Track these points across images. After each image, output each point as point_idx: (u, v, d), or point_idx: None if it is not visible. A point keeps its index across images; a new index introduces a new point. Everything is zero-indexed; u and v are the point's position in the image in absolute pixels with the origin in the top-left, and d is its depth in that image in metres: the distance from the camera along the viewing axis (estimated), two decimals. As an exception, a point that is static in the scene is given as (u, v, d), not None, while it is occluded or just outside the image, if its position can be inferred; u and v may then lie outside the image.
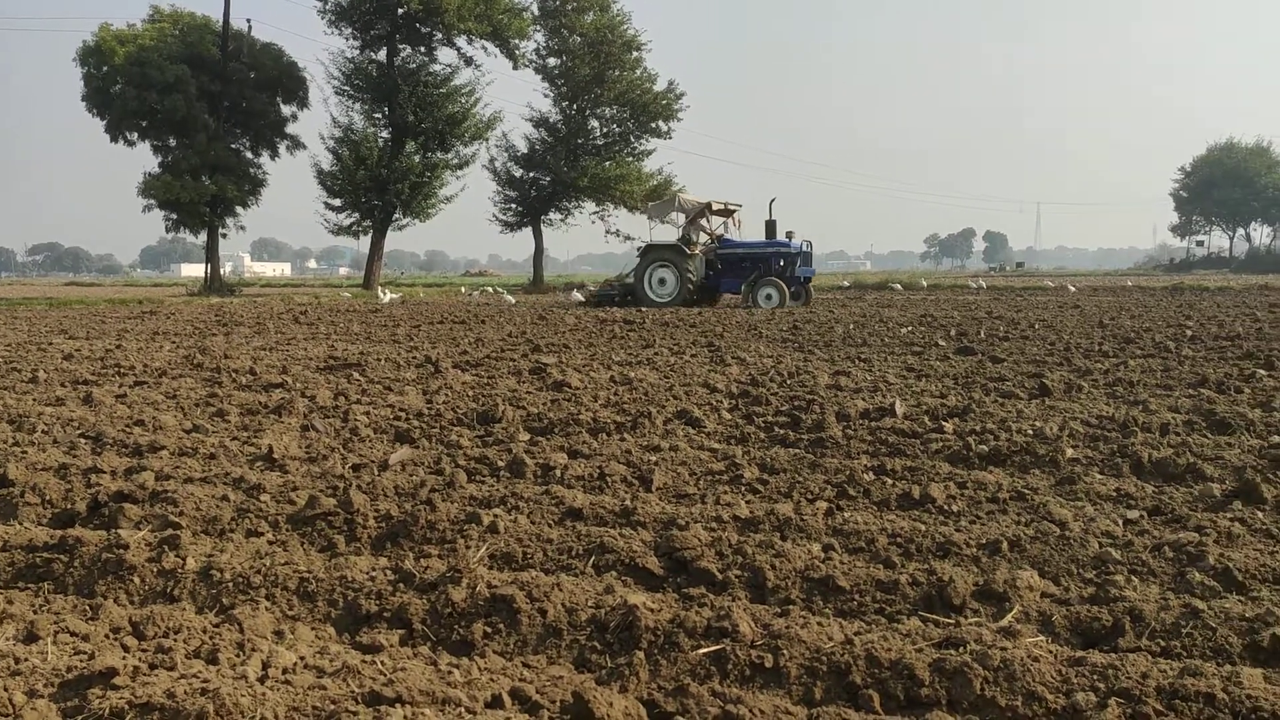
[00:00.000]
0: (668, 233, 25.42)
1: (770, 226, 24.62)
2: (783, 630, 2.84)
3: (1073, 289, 30.30)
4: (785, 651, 2.73)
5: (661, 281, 23.94)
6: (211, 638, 2.88)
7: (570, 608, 3.07)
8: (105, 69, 34.35)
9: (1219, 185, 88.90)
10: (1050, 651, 2.73)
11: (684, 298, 23.56)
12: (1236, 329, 13.04)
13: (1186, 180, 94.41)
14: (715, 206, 25.09)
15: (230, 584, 3.35)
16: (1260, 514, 4.02)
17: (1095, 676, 2.54)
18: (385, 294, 28.99)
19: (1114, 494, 4.41)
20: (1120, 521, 3.96)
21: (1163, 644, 2.82)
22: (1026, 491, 4.44)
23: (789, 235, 24.24)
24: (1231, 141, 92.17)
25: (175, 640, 2.86)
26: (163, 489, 4.49)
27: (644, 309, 22.29)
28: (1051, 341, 11.66)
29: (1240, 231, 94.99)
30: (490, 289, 37.86)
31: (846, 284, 40.34)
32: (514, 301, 26.79)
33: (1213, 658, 2.74)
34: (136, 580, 3.43)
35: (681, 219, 25.16)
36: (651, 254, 24.46)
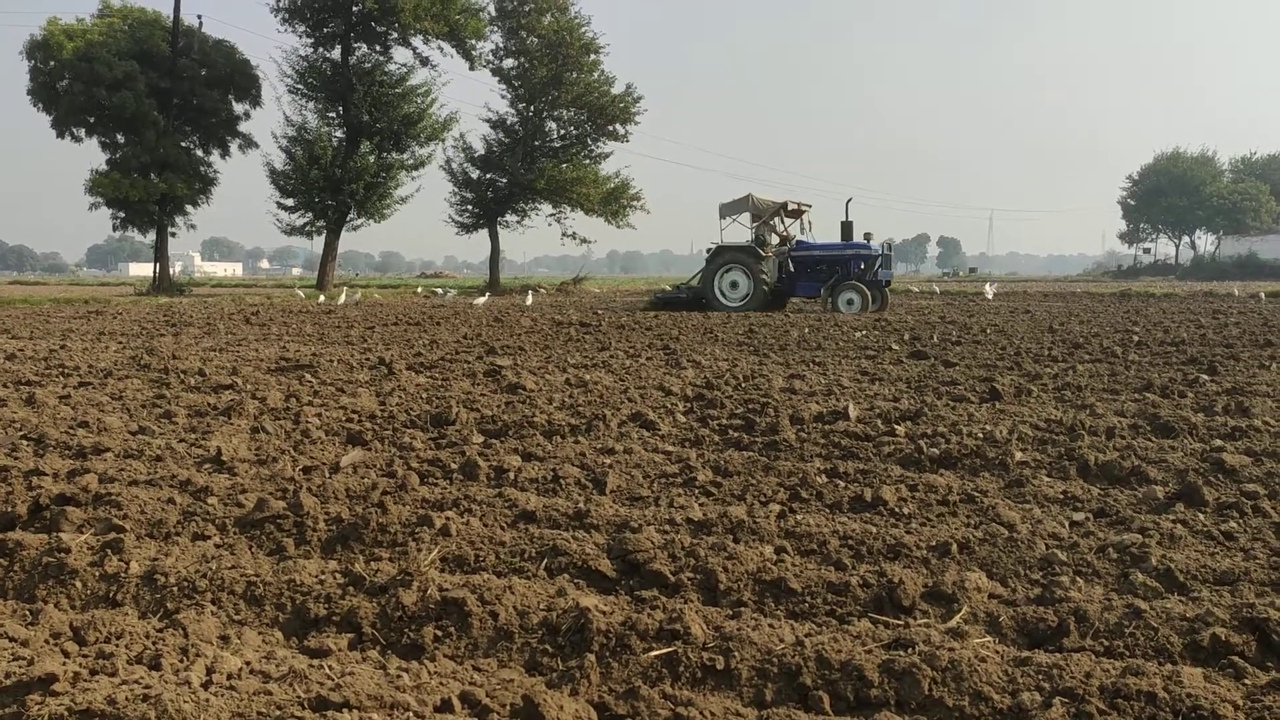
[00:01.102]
0: (733, 233, 24.43)
1: (846, 228, 23.65)
2: (734, 632, 2.85)
3: (990, 294, 30.39)
4: (737, 653, 2.74)
5: (734, 285, 22.86)
6: (154, 643, 2.83)
7: (522, 610, 3.05)
8: (52, 64, 33.73)
9: (1165, 194, 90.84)
10: (997, 652, 2.76)
11: (758, 301, 22.53)
12: (1181, 335, 13.30)
13: (1134, 188, 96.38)
14: (790, 206, 24.17)
15: (175, 588, 3.30)
16: (1201, 516, 4.10)
17: (1040, 676, 2.58)
18: (343, 295, 28.63)
19: (1061, 496, 4.47)
20: (1066, 523, 4.03)
21: (1106, 644, 2.86)
22: (976, 494, 4.49)
23: (867, 236, 23.32)
24: (1178, 151, 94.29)
25: (117, 645, 2.81)
26: (106, 491, 4.41)
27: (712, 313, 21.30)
28: (1002, 346, 11.82)
29: (1185, 239, 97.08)
30: (441, 290, 37.67)
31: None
32: (485, 302, 26.14)
33: (1154, 657, 2.79)
34: (78, 584, 3.37)
35: (737, 217, 24.14)
36: (723, 256, 23.24)
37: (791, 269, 23.34)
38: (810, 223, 24.91)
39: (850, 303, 21.63)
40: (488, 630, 2.99)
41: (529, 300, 26.90)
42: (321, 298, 28.96)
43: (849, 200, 23.59)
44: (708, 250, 23.90)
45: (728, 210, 24.45)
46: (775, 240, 23.98)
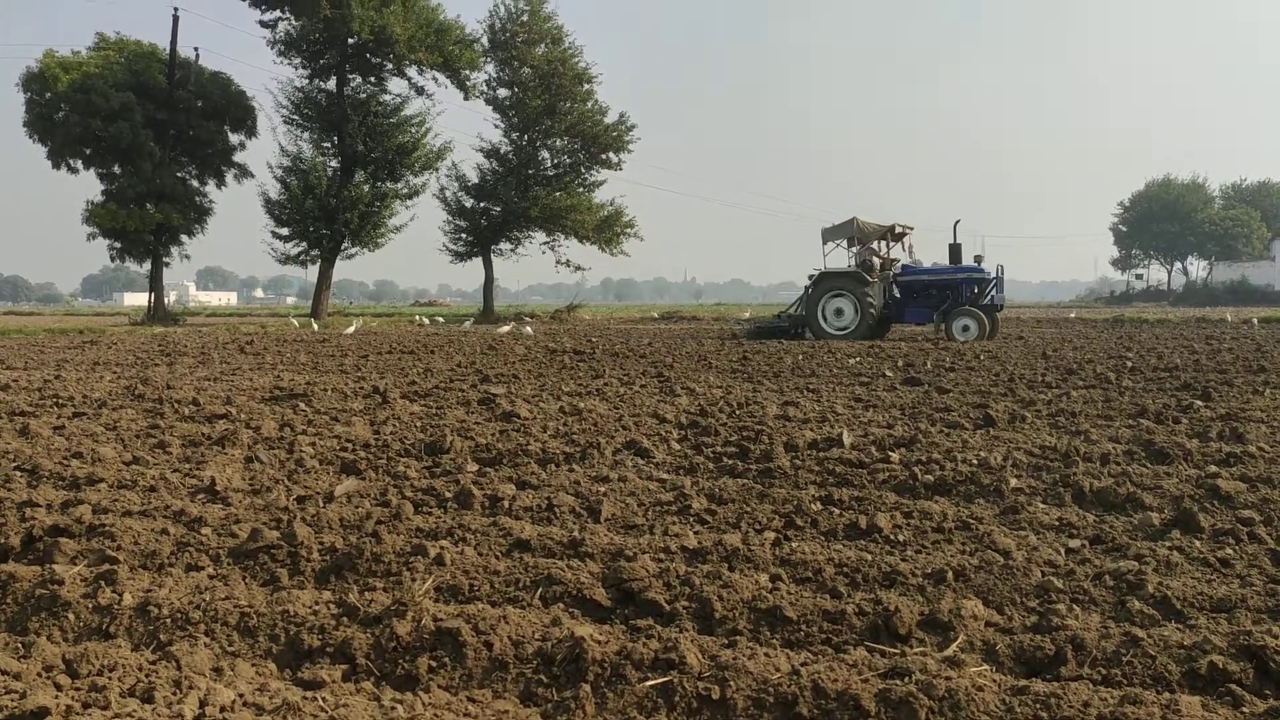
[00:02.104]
0: (824, 258, 23.25)
1: (955, 250, 22.51)
2: (730, 661, 2.83)
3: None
4: (732, 683, 2.73)
5: (838, 312, 21.73)
6: (147, 675, 2.82)
7: (517, 640, 3.04)
8: (49, 95, 33.89)
9: (1157, 220, 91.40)
10: (994, 681, 2.75)
11: (865, 329, 21.46)
12: (1174, 361, 13.33)
13: (1126, 215, 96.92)
14: (897, 229, 23.04)
15: (168, 620, 3.28)
16: (1198, 543, 4.10)
17: (1038, 705, 2.57)
18: (354, 324, 28.61)
19: (1056, 523, 4.47)
20: (1062, 550, 4.02)
21: (1104, 672, 2.85)
22: (971, 521, 4.49)
23: (977, 259, 22.34)
24: (1169, 178, 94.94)
25: (110, 678, 2.79)
26: (100, 522, 4.39)
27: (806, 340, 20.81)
28: (996, 372, 11.83)
29: (1177, 265, 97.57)
30: (439, 318, 37.64)
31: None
32: (509, 330, 25.81)
33: (1152, 686, 2.78)
34: (71, 616, 3.35)
35: (840, 241, 23.01)
36: (826, 282, 22.02)
37: (897, 294, 22.41)
38: (912, 246, 23.72)
39: (966, 329, 20.64)
40: (482, 661, 2.97)
41: (527, 329, 26.78)
42: (315, 325, 28.93)
43: (957, 222, 22.76)
44: (809, 276, 22.71)
45: (830, 234, 23.33)
46: (876, 264, 22.90)
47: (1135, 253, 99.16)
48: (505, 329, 25.93)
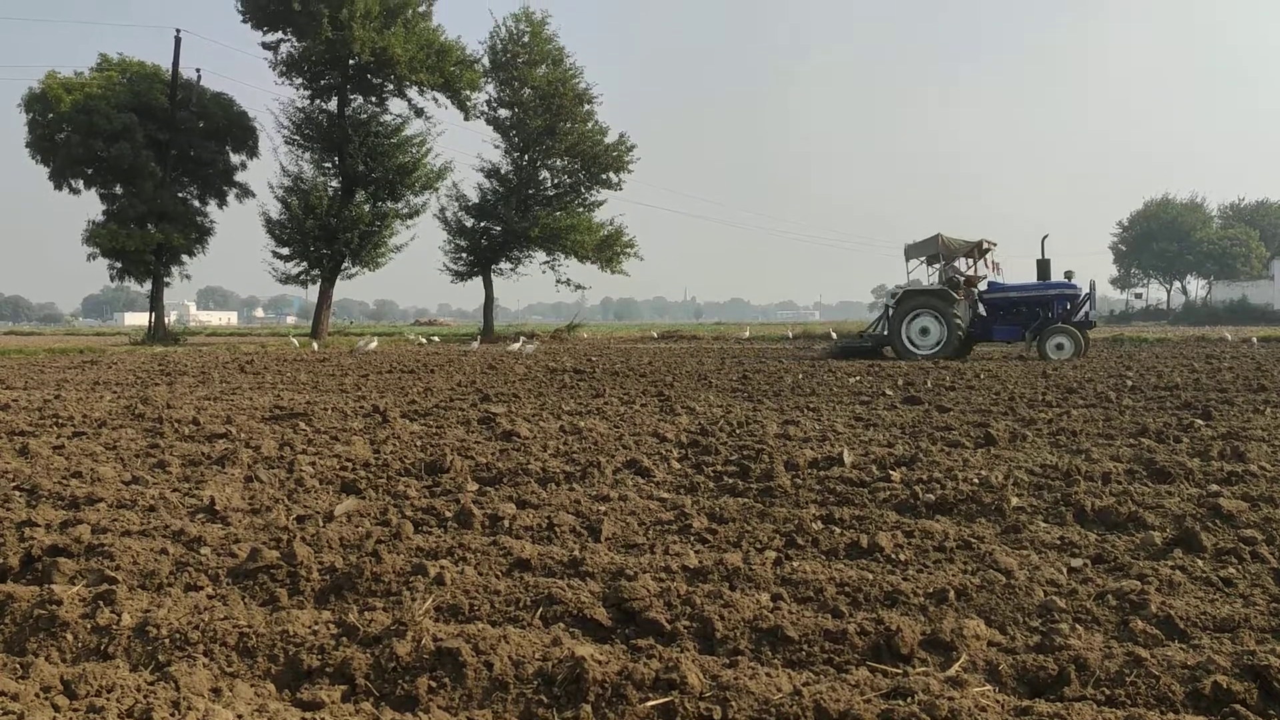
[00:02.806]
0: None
1: (1043, 266, 21.94)
2: (731, 681, 2.82)
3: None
4: (734, 703, 2.71)
5: (924, 331, 21.05)
6: (146, 696, 2.80)
7: (517, 660, 3.02)
8: (51, 116, 34.04)
9: (1156, 239, 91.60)
10: (997, 701, 2.74)
11: (952, 348, 20.83)
12: (1175, 379, 13.33)
13: (1125, 234, 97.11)
14: (984, 245, 22.44)
15: (167, 640, 3.26)
16: (1200, 562, 4.08)
17: (1041, 725, 2.55)
18: (373, 342, 28.62)
19: (1058, 542, 4.46)
20: (1064, 570, 4.01)
21: (1107, 692, 2.84)
22: (973, 540, 4.48)
23: (1068, 275, 21.60)
24: (1167, 198, 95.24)
25: (108, 699, 2.78)
26: (99, 542, 4.38)
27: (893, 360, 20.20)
28: (996, 391, 11.83)
29: (1176, 284, 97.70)
30: (435, 337, 37.65)
31: (791, 335, 40.63)
32: (533, 349, 25.68)
33: (1156, 706, 2.77)
34: (69, 637, 3.33)
35: (924, 258, 22.50)
36: (911, 300, 21.30)
37: (983, 312, 21.79)
38: (997, 263, 22.95)
39: (1060, 347, 19.96)
40: (482, 681, 2.96)
41: (530, 347, 26.65)
42: (315, 345, 28.95)
43: (1045, 238, 22.23)
44: (891, 295, 22.17)
45: (914, 251, 22.82)
46: (961, 281, 22.28)
47: (1134, 272, 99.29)
48: (516, 346, 25.83)
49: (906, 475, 6.01)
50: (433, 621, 3.41)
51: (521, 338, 31.41)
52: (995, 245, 22.80)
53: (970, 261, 22.57)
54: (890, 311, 22.02)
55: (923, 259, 22.65)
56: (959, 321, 20.86)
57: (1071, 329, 20.18)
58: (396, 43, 34.82)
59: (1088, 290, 21.28)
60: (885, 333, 22.37)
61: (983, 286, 22.22)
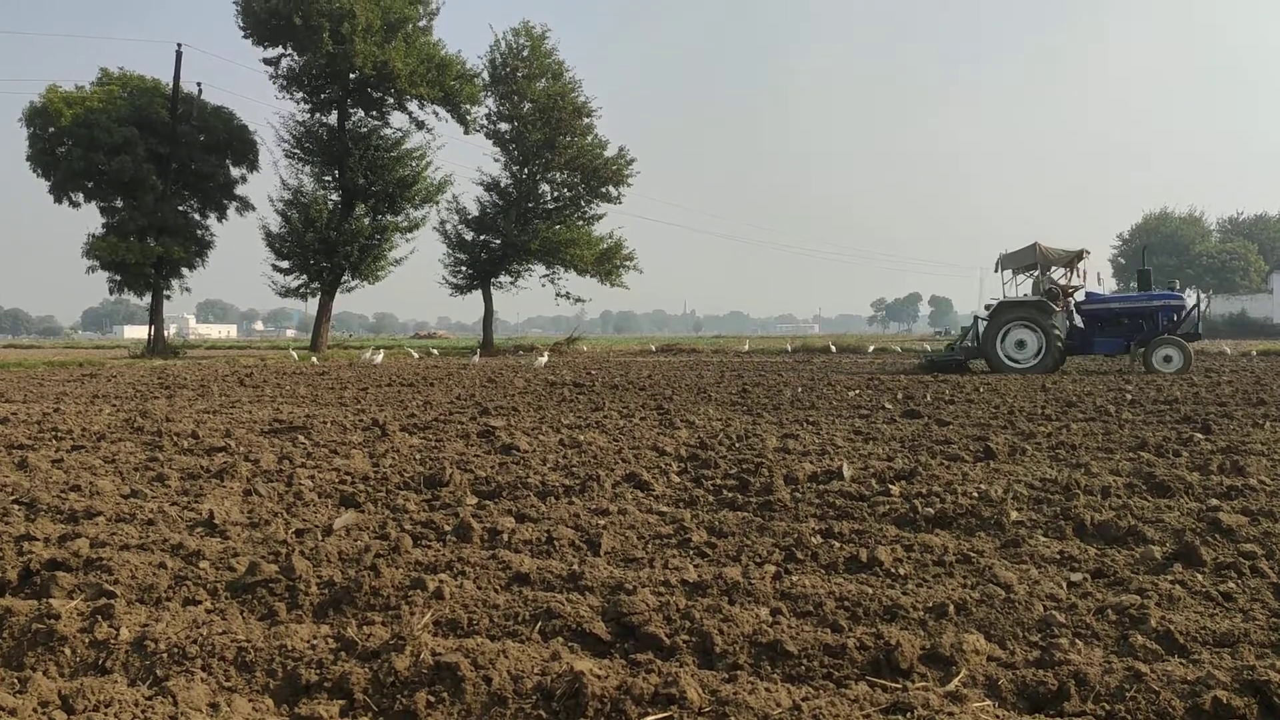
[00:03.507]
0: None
1: (1144, 276, 21.40)
2: (730, 696, 2.81)
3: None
4: (733, 718, 2.70)
5: (1020, 344, 20.08)
6: (144, 711, 2.79)
7: (516, 675, 3.02)
8: (51, 130, 34.15)
9: (1155, 253, 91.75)
10: (997, 716, 2.73)
11: (1050, 362, 19.92)
12: (1174, 393, 13.33)
13: (1124, 247, 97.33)
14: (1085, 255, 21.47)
15: (165, 655, 3.26)
16: (1200, 576, 4.08)
17: (1041, 740, 2.55)
18: (379, 355, 28.65)
19: (1058, 556, 4.45)
20: (1064, 584, 4.00)
21: (1107, 708, 2.83)
22: (972, 554, 4.47)
23: (1171, 286, 20.88)
24: (1166, 211, 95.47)
25: (106, 714, 2.77)
26: (98, 556, 4.37)
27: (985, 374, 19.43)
28: (995, 405, 11.83)
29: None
30: (435, 350, 37.63)
31: (790, 348, 40.60)
32: (544, 361, 25.31)
33: (1156, 720, 2.76)
34: (68, 651, 3.33)
35: (1021, 268, 21.68)
36: (1007, 312, 20.37)
37: (1081, 324, 20.87)
38: (1085, 271, 21.81)
39: (1169, 360, 19.25)
40: (481, 695, 2.95)
41: (541, 361, 26.38)
42: (314, 358, 28.97)
43: (1144, 247, 21.54)
44: (986, 306, 21.20)
45: (1010, 261, 22.01)
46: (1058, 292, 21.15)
47: (1134, 286, 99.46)
48: (543, 360, 25.53)
49: (906, 489, 6.00)
50: (431, 636, 3.40)
51: (547, 353, 31.18)
52: (1089, 253, 22.03)
53: (1066, 271, 21.57)
54: (979, 323, 21.34)
55: (1019, 269, 21.98)
56: (1058, 334, 19.99)
57: (1180, 340, 19.51)
58: (397, 57, 34.97)
59: (1194, 302, 20.64)
60: (971, 344, 21.78)
61: (1079, 297, 21.29)
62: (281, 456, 7.73)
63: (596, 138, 42.11)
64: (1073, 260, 21.26)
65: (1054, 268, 21.29)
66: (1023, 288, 22.43)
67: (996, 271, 22.23)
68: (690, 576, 4.11)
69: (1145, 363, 19.55)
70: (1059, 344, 19.89)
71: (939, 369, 21.45)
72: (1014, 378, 18.17)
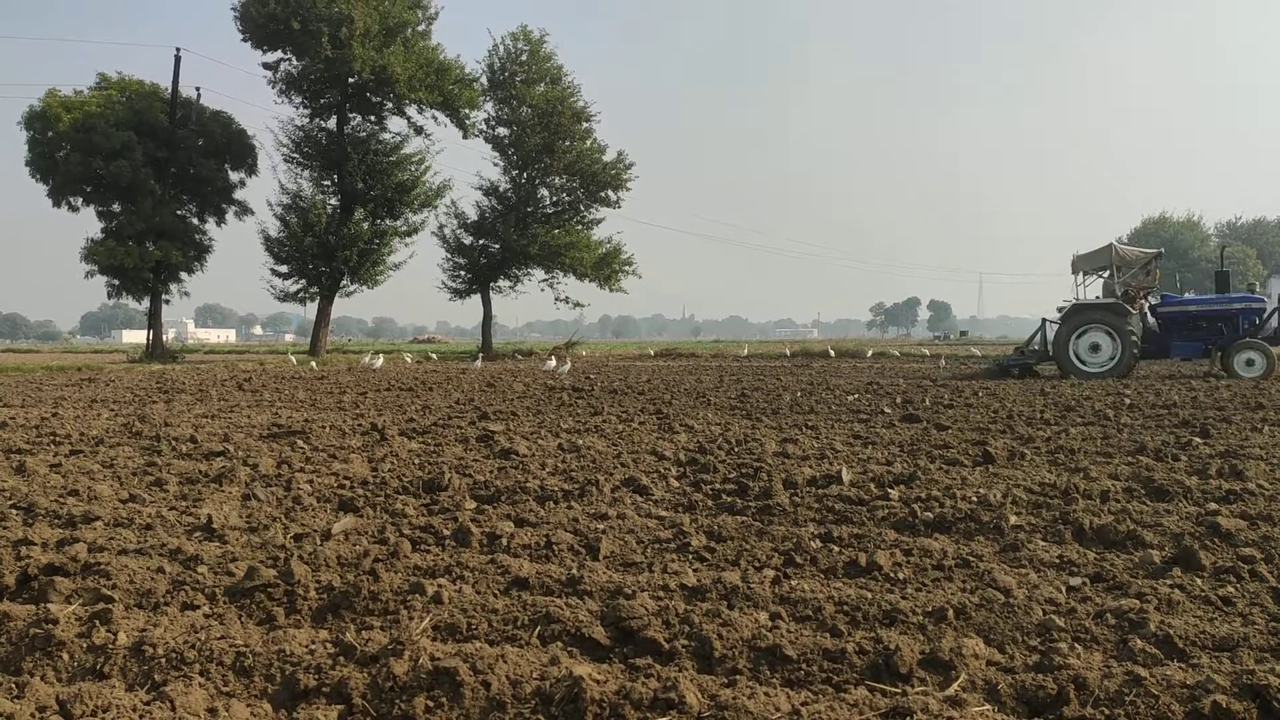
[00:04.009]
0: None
1: (1223, 278, 20.70)
2: (730, 701, 2.81)
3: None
4: (732, 723, 2.70)
5: (1094, 348, 19.49)
6: (141, 716, 2.79)
7: (515, 680, 3.01)
8: (50, 134, 34.17)
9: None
10: (996, 720, 2.73)
11: (1125, 366, 19.30)
12: (1173, 398, 13.33)
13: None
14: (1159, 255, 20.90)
15: (163, 659, 3.25)
16: (1199, 581, 4.07)
17: (1041, 745, 2.54)
18: (379, 359, 28.65)
19: (1057, 561, 4.45)
20: (1063, 588, 4.00)
21: (1106, 712, 2.83)
22: (971, 559, 4.47)
23: (1250, 287, 20.35)
24: (1164, 216, 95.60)
25: (104, 719, 2.76)
26: (96, 561, 4.36)
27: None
28: (995, 409, 11.83)
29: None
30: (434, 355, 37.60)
31: (789, 352, 40.60)
32: (556, 366, 25.15)
33: (1155, 725, 2.76)
34: (65, 656, 3.32)
35: (1095, 270, 20.98)
36: (1081, 315, 19.75)
37: (1158, 328, 20.27)
38: (1160, 273, 21.42)
39: (1251, 364, 18.64)
40: (480, 700, 2.94)
41: (565, 368, 26.01)
42: (313, 363, 28.97)
43: (1224, 249, 20.78)
44: (1059, 309, 20.56)
45: (1085, 263, 21.32)
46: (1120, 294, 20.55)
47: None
48: (552, 364, 25.52)
49: (905, 493, 6.00)
50: (430, 641, 3.40)
51: (553, 358, 31.02)
52: (1161, 253, 21.56)
53: (1148, 273, 21.01)
54: (1048, 325, 20.91)
55: (1093, 270, 21.41)
56: (1135, 338, 19.44)
57: (1263, 344, 18.91)
58: (396, 61, 34.98)
59: (1276, 304, 19.98)
60: (1038, 348, 21.37)
61: (1154, 299, 20.81)
62: (280, 461, 7.72)
63: (595, 142, 42.16)
64: (1149, 262, 20.88)
65: (1136, 269, 20.79)
66: (1092, 289, 21.85)
67: (1073, 274, 21.60)
68: (689, 581, 4.11)
69: (1226, 367, 19.08)
70: (1136, 348, 19.42)
71: (1007, 373, 20.99)
72: (1013, 382, 18.17)
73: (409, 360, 35.38)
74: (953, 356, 34.82)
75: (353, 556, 4.58)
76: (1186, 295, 20.99)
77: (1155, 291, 21.08)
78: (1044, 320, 21.51)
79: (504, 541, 4.89)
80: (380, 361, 27.73)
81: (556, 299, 43.52)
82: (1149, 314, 20.34)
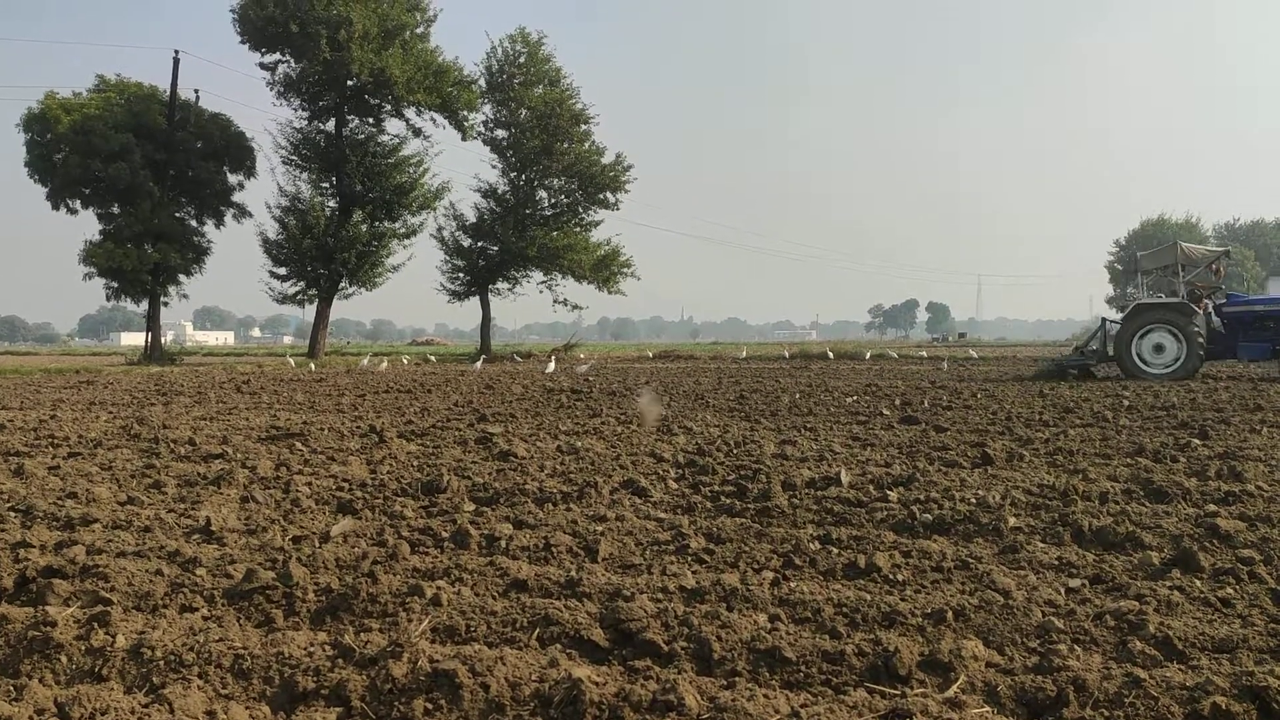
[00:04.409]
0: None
1: None
2: (729, 703, 2.81)
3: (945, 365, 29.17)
4: (731, 725, 2.69)
5: (1158, 349, 18.97)
6: (140, 719, 2.78)
7: (513, 682, 3.01)
8: (49, 136, 34.17)
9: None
10: (995, 722, 2.72)
11: (1190, 367, 18.82)
12: (1171, 399, 13.34)
13: (1121, 253, 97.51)
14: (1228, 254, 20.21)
15: (162, 662, 3.25)
16: (1198, 582, 4.07)
17: (1040, 747, 2.54)
18: (383, 362, 28.75)
19: (1056, 562, 4.45)
20: (1062, 590, 4.00)
21: (1106, 714, 2.82)
22: (970, 560, 4.47)
23: None
24: (1163, 217, 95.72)
25: (102, 721, 2.76)
26: (94, 563, 4.36)
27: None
28: (993, 411, 11.83)
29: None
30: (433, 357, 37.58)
31: (788, 354, 40.61)
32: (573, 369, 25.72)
33: (1155, 726, 2.75)
34: (64, 659, 3.31)
35: (1159, 269, 20.59)
36: (1145, 315, 19.20)
37: (1223, 328, 19.66)
38: (1225, 272, 20.88)
39: None
40: (479, 702, 2.94)
41: (584, 368, 26.67)
42: (312, 365, 28.97)
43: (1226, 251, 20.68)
44: (1120, 309, 20.29)
45: (1148, 261, 20.91)
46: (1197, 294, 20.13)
47: (1130, 291, 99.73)
48: (551, 368, 25.98)
49: (904, 495, 6.00)
50: (429, 643, 3.40)
51: (553, 360, 31.10)
52: (1226, 251, 21.10)
53: (1215, 273, 20.58)
54: (1108, 325, 20.51)
55: (1157, 269, 21.01)
56: (1201, 339, 18.92)
57: None
58: (394, 64, 35.00)
59: None
60: (1097, 348, 20.89)
61: (1219, 299, 20.23)
62: (279, 463, 7.72)
63: (594, 144, 42.25)
64: (1215, 261, 20.49)
65: (1202, 268, 20.39)
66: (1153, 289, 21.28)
67: (1134, 272, 21.08)
68: (688, 583, 4.11)
69: None
70: (1201, 350, 18.96)
71: (1063, 374, 20.44)
72: (1011, 383, 18.17)
73: (405, 362, 35.43)
74: (952, 358, 34.82)
75: (351, 559, 4.57)
76: (1248, 295, 20.43)
77: (1220, 291, 20.60)
78: (1103, 320, 21.06)
79: (503, 543, 4.89)
80: (384, 364, 27.78)
81: (555, 301, 43.64)
82: (1214, 314, 19.79)
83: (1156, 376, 18.71)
